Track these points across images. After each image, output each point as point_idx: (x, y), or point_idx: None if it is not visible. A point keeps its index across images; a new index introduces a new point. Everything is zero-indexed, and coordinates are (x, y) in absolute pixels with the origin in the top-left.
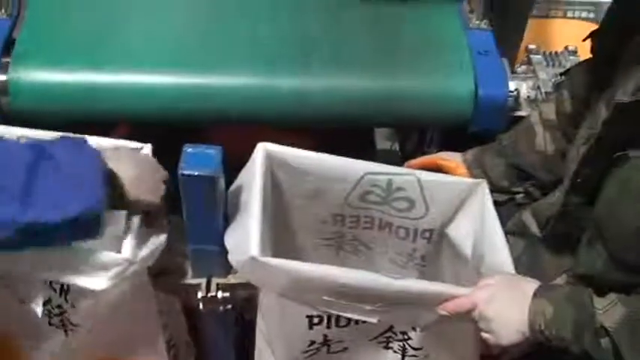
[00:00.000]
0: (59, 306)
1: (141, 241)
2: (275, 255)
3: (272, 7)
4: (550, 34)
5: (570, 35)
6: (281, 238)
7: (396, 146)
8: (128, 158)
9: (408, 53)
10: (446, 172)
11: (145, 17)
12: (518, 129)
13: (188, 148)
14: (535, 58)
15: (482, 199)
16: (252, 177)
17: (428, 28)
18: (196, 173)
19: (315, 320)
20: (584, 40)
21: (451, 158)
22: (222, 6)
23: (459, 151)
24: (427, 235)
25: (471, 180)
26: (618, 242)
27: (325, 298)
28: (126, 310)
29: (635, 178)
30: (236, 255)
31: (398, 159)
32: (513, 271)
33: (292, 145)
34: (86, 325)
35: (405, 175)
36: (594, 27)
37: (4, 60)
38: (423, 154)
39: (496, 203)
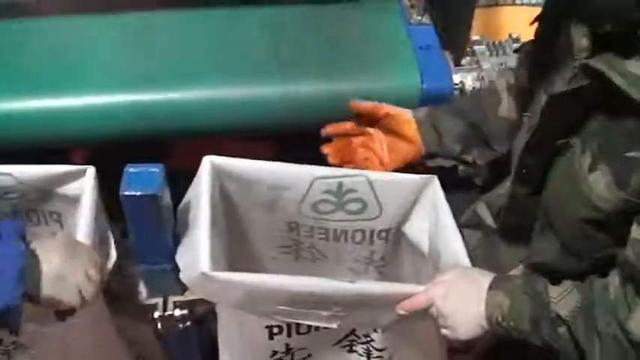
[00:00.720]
0: (13, 342)
1: None
2: (231, 268)
3: (209, 19)
4: (499, 22)
5: (519, 23)
6: (238, 249)
7: None
8: (57, 249)
9: (351, 53)
10: (395, 126)
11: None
12: (480, 94)
13: (129, 168)
14: (478, 48)
15: (435, 194)
16: (199, 192)
17: (369, 26)
18: (138, 193)
19: (275, 330)
20: (530, 24)
21: (401, 111)
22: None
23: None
24: (384, 235)
25: (421, 176)
26: (567, 232)
27: (281, 307)
28: (81, 333)
29: (577, 167)
30: (187, 272)
31: None
32: (469, 265)
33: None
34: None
35: (355, 177)
36: None
37: None
38: None
39: (441, 169)
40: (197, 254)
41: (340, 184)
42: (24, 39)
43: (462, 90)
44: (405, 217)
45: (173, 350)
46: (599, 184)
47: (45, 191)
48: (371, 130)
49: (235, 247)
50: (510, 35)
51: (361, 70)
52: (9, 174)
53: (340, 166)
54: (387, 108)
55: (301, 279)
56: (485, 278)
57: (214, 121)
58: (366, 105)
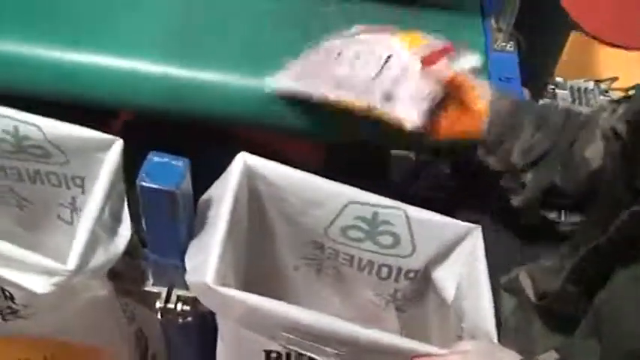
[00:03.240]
0: (9, 307)
1: (91, 250)
2: (247, 271)
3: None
4: (595, 60)
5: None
6: (260, 252)
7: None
8: None
9: None
10: (464, 94)
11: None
12: (576, 120)
13: (154, 157)
14: (560, 93)
15: (474, 246)
16: (225, 191)
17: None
18: (156, 187)
19: (274, 355)
20: None
21: (480, 86)
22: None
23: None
24: (412, 275)
25: (463, 223)
26: (614, 354)
27: (283, 333)
28: (81, 304)
29: None
30: (192, 276)
31: (413, 164)
32: (492, 331)
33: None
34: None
35: (392, 209)
36: None
37: None
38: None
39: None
40: (205, 262)
41: (375, 214)
42: None
43: None
44: (438, 262)
45: (171, 340)
46: None
47: (70, 153)
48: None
49: (258, 249)
50: (598, 83)
51: None
52: (37, 126)
53: None
54: (464, 78)
55: (308, 312)
56: (508, 359)
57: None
58: (443, 74)
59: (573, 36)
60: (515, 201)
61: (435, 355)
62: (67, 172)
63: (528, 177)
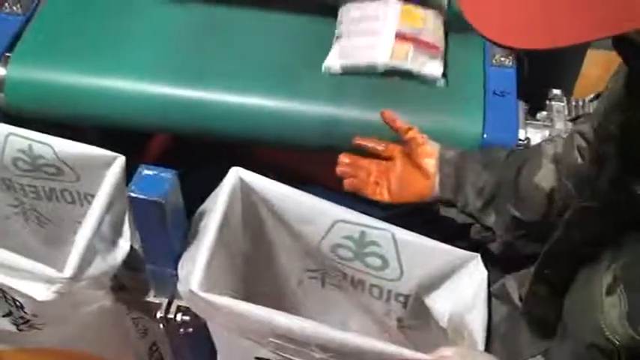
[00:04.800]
0: (21, 317)
1: (89, 260)
2: (248, 284)
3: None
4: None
5: None
6: (262, 267)
7: None
8: None
9: (413, 85)
10: (415, 155)
11: (151, 30)
12: (519, 152)
13: (143, 170)
14: (556, 105)
15: (473, 275)
16: (216, 204)
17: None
18: (143, 197)
19: None
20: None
21: (428, 143)
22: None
23: None
24: (402, 300)
25: (461, 251)
26: (578, 349)
27: (271, 340)
28: (88, 315)
29: (597, 284)
30: (182, 284)
31: None
32: (480, 341)
33: None
34: (52, 326)
35: (380, 230)
36: None
37: (7, 55)
38: None
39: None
40: (192, 270)
41: (362, 234)
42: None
43: (525, 147)
44: (430, 288)
45: (178, 351)
46: (612, 313)
47: (80, 171)
48: (398, 159)
49: (259, 264)
50: (598, 96)
51: (419, 105)
52: (48, 144)
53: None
54: (416, 133)
55: (291, 318)
56: None
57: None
58: (401, 124)
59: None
60: (493, 248)
61: None
62: (79, 190)
63: (492, 219)
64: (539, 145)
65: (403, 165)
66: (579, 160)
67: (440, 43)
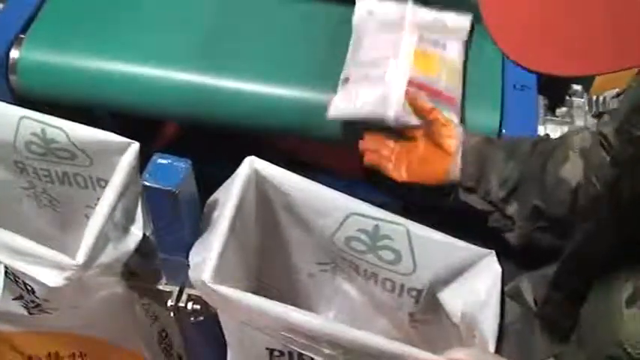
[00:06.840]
0: (32, 301)
1: (101, 247)
2: (258, 275)
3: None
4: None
5: None
6: (273, 258)
7: None
8: None
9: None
10: (438, 135)
11: (169, 14)
12: (547, 143)
13: (157, 158)
14: (576, 101)
15: (487, 272)
16: (230, 193)
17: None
18: (157, 186)
19: (276, 353)
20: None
21: (452, 124)
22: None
23: None
24: (414, 294)
25: (475, 248)
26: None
27: (282, 333)
28: (99, 301)
29: (616, 293)
30: (193, 273)
31: None
32: (492, 343)
33: None
34: (63, 311)
35: (394, 224)
36: None
37: (21, 37)
38: None
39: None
40: (204, 261)
41: (376, 227)
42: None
43: None
44: (443, 283)
45: (188, 339)
46: (632, 325)
47: (93, 156)
48: (420, 140)
49: (270, 254)
50: (619, 94)
51: None
52: (62, 128)
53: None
54: (439, 114)
55: (303, 314)
56: None
57: None
58: (424, 104)
59: None
60: (511, 238)
61: None
62: (92, 174)
63: (513, 208)
64: (566, 135)
65: (425, 145)
66: (607, 158)
67: (456, 92)
